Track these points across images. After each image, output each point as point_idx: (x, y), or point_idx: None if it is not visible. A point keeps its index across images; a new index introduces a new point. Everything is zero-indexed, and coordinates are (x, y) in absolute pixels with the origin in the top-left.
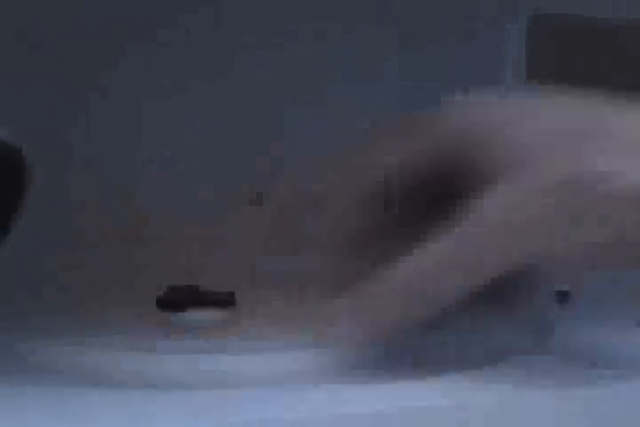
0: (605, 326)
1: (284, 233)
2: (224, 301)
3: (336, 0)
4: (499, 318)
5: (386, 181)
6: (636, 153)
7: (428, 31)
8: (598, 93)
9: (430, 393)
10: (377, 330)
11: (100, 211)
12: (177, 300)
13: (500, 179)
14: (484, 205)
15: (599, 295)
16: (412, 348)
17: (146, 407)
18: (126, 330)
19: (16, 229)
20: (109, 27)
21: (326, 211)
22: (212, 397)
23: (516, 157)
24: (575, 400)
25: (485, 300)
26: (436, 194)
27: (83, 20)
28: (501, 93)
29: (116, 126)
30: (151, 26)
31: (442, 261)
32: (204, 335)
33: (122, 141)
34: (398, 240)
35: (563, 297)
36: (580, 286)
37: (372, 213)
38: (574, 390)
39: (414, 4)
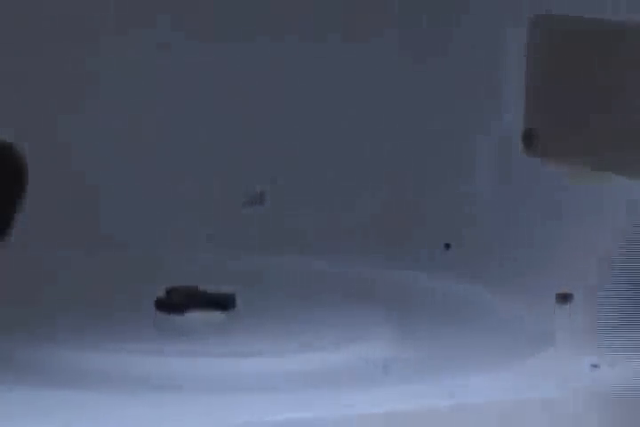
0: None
1: None
2: (224, 302)
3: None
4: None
5: None
6: None
7: (427, 31)
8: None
9: (430, 395)
10: None
11: (100, 211)
12: (176, 301)
13: None
14: None
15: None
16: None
17: (145, 410)
18: (126, 332)
19: (16, 230)
20: (109, 27)
21: None
22: (211, 399)
23: None
24: (575, 401)
25: None
26: None
27: (83, 19)
28: None
29: (116, 126)
30: (150, 27)
31: None
32: (204, 337)
33: (121, 141)
34: None
35: (564, 299)
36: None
37: None
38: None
39: (413, 4)
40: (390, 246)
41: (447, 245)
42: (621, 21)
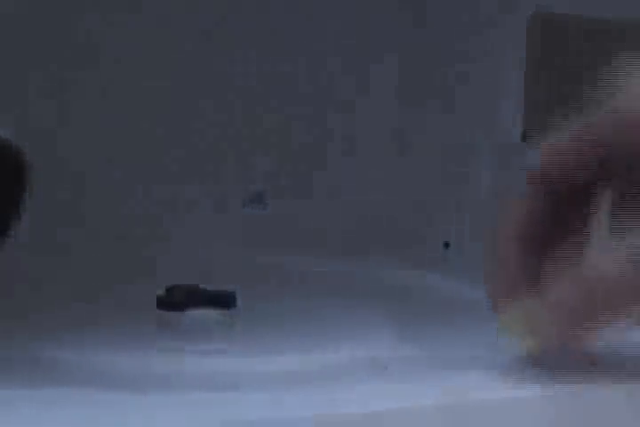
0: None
1: None
2: (225, 300)
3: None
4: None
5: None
6: None
7: (427, 32)
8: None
9: (430, 394)
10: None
11: (99, 211)
12: (177, 299)
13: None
14: None
15: None
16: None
17: (143, 409)
18: (126, 330)
19: (16, 229)
20: (109, 28)
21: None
22: (211, 398)
23: None
24: (575, 401)
25: None
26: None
27: (82, 19)
28: None
29: (116, 127)
30: (149, 27)
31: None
32: (205, 335)
33: (121, 142)
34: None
35: None
36: None
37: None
38: (574, 392)
39: (414, 4)
40: (390, 246)
41: (447, 245)
42: (622, 21)
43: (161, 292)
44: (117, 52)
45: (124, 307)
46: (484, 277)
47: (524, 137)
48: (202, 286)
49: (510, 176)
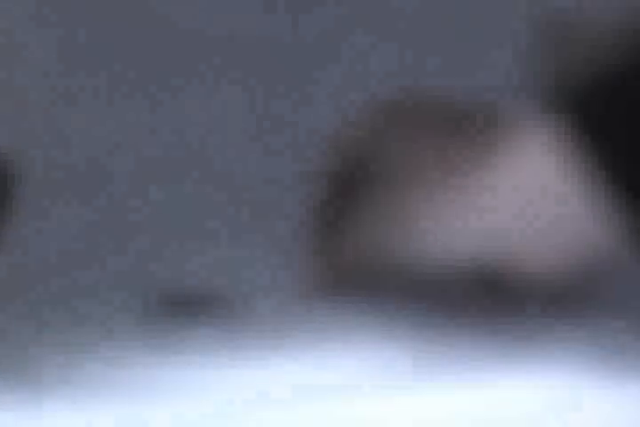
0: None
1: None
2: (226, 304)
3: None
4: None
5: None
6: None
7: (428, 31)
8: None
9: (432, 394)
10: None
11: (100, 211)
12: (177, 304)
13: None
14: None
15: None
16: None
17: (144, 414)
18: (124, 335)
19: (15, 231)
20: (108, 28)
21: None
22: (214, 403)
23: None
24: (576, 403)
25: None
26: None
27: (81, 20)
28: None
29: (115, 127)
30: (147, 29)
31: None
32: (206, 340)
33: (122, 142)
34: None
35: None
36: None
37: None
38: (574, 393)
39: (415, 4)
40: None
41: None
42: (621, 20)
43: (161, 296)
44: (115, 50)
45: (124, 311)
46: None
47: None
48: (202, 289)
49: None
